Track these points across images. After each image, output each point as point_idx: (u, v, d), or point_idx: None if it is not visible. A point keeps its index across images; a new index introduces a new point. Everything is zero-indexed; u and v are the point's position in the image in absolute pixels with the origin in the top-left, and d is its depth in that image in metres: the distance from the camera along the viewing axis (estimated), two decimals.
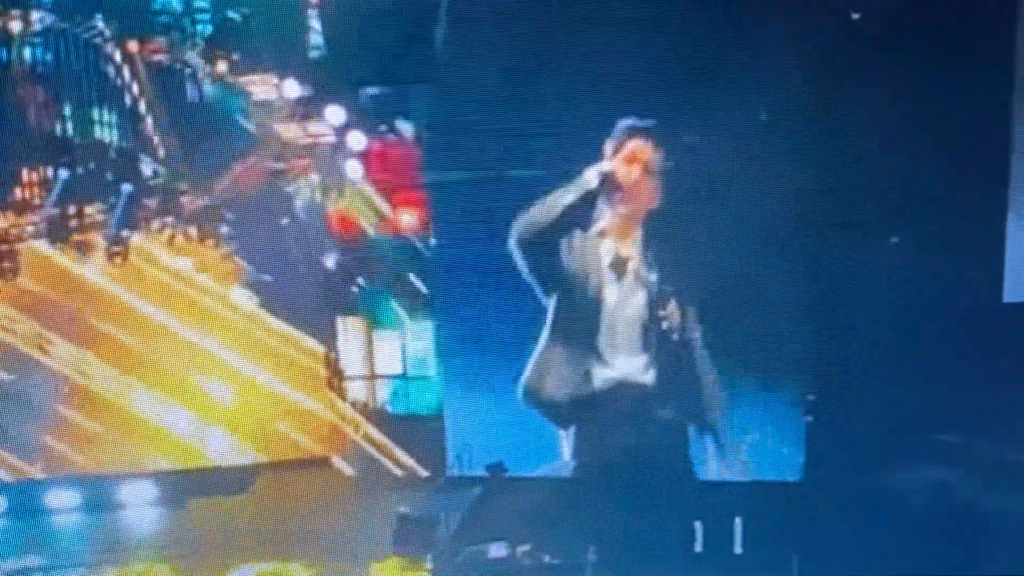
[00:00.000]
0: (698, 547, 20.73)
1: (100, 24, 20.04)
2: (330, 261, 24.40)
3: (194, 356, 25.69)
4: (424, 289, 23.69)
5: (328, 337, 25.35)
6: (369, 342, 25.40)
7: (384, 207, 24.23)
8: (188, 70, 20.71)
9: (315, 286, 24.71)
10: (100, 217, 23.34)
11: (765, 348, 20.90)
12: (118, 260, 24.27)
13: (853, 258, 20.15)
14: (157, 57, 21.00)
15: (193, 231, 24.07)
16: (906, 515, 20.15)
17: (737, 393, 20.63)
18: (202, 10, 21.13)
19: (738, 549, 20.85)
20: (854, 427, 20.74)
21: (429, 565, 21.59)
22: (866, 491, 20.44)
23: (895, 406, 20.47)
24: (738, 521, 20.84)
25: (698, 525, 20.68)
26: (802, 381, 21.24)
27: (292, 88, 20.06)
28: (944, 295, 20.09)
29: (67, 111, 21.06)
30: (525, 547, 20.86)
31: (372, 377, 25.77)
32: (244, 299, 24.70)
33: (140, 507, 26.18)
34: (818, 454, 21.22)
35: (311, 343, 25.59)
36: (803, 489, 21.17)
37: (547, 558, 20.85)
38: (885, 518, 19.95)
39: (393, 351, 25.35)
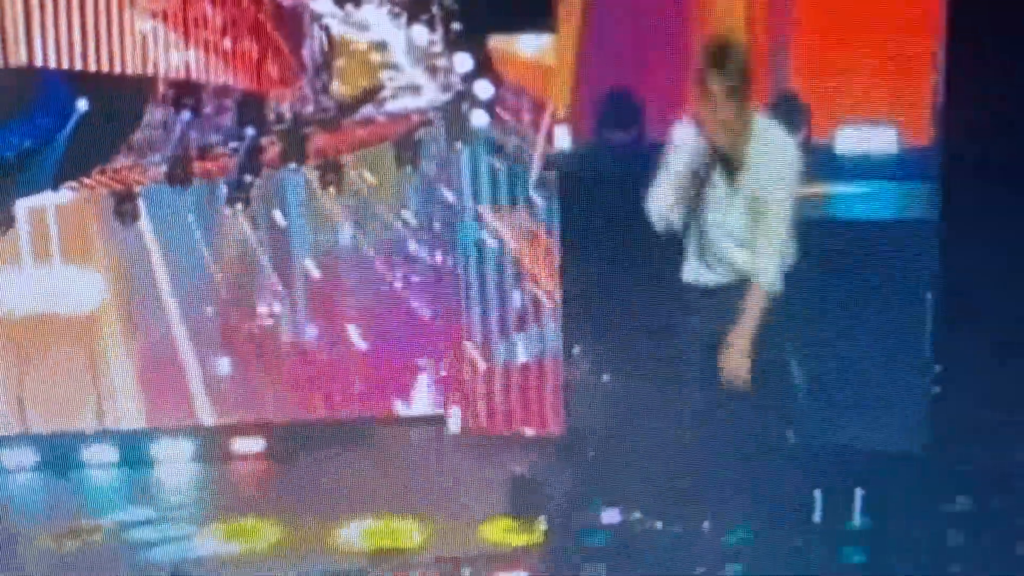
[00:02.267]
0: (816, 517, 20.84)
1: None
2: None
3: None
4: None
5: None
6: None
7: None
8: (318, 13, 20.92)
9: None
10: (225, 159, 23.75)
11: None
12: (239, 205, 24.95)
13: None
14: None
15: (315, 177, 24.77)
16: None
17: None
18: None
19: (856, 521, 20.91)
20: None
21: (542, 527, 21.74)
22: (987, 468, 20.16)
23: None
24: (858, 492, 20.94)
25: (817, 494, 20.82)
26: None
27: (420, 35, 20.16)
28: None
29: (191, 53, 21.33)
30: (637, 514, 21.09)
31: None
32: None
33: (250, 461, 26.98)
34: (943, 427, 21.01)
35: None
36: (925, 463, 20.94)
37: (659, 525, 21.31)
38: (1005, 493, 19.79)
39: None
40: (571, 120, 22.70)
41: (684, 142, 15.36)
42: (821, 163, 20.06)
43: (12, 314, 26.73)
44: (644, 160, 18.60)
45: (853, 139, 20.25)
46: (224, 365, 27.30)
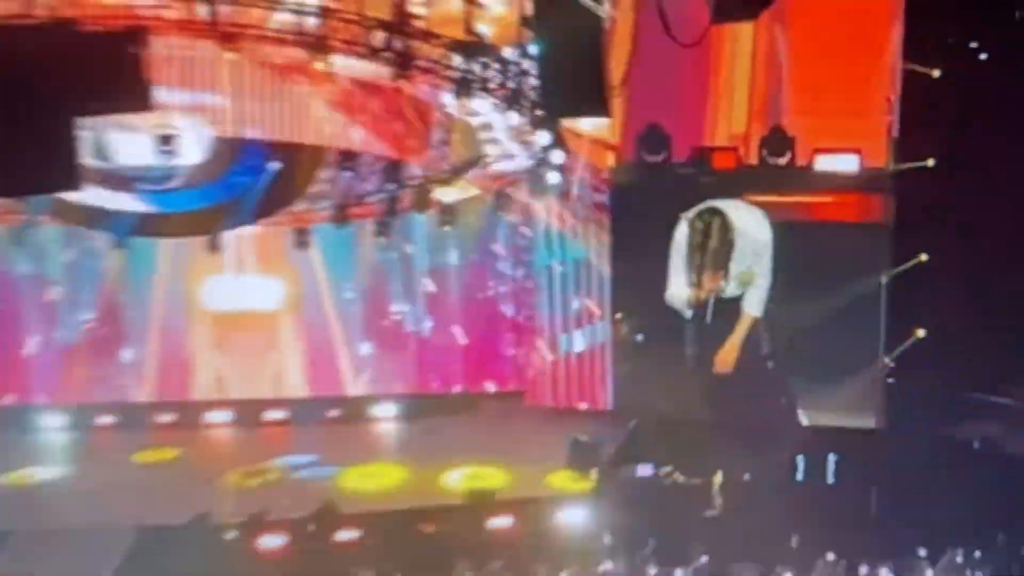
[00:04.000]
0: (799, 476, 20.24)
1: None
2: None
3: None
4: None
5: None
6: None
7: None
8: (443, 103, 21.11)
9: None
10: (373, 206, 23.59)
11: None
12: (383, 239, 24.60)
13: None
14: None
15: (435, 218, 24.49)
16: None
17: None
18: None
19: (830, 480, 20.27)
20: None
21: (594, 477, 20.98)
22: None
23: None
24: (831, 458, 20.28)
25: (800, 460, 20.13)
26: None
27: (514, 118, 20.27)
28: None
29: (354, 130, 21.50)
30: (667, 469, 20.25)
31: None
32: None
33: (383, 421, 26.47)
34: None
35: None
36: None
37: (682, 479, 20.70)
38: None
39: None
40: (619, 148, 22.58)
41: (680, 242, 14.49)
42: (802, 180, 20.24)
43: (218, 309, 26.55)
44: (671, 177, 19.90)
45: (826, 163, 20.01)
46: (366, 348, 26.76)
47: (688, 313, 13.79)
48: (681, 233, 13.85)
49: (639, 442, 21.05)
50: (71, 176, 7.73)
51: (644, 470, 20.41)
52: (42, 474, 23.92)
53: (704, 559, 18.39)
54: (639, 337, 21.08)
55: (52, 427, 26.24)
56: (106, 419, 26.34)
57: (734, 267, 13.21)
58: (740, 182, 18.38)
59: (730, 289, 13.58)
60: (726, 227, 13.58)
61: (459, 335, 26.78)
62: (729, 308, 13.91)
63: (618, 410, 23.43)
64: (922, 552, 18.05)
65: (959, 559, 17.88)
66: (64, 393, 26.49)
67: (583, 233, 24.95)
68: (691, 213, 13.88)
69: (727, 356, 13.97)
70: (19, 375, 26.51)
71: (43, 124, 7.40)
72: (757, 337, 14.62)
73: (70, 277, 26.17)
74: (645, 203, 19.32)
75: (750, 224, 13.81)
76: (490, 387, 26.88)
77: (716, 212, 13.77)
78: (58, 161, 7.62)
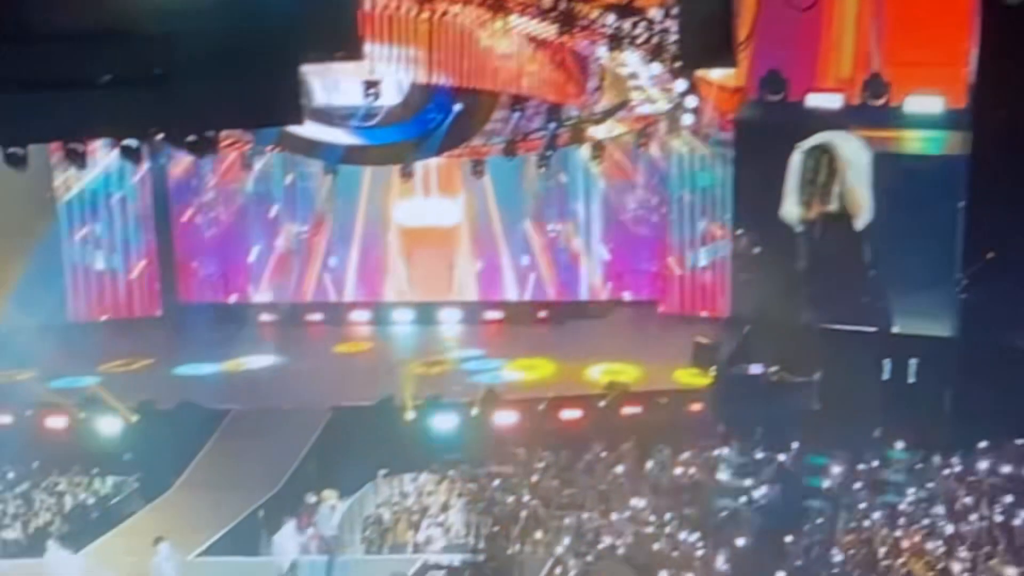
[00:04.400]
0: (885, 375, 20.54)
1: None
2: None
3: None
4: None
5: None
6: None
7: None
8: (597, 56, 20.95)
9: None
10: (536, 142, 23.64)
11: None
12: (542, 170, 25.06)
13: None
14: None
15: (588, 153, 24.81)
16: None
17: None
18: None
19: (911, 380, 20.56)
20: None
21: (713, 374, 21.60)
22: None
23: None
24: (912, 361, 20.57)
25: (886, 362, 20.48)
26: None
27: (656, 68, 20.14)
28: None
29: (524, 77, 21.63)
30: (774, 368, 20.62)
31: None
32: None
33: (538, 322, 27.19)
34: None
35: None
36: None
37: (785, 376, 20.68)
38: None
39: None
40: (743, 90, 22.99)
41: (794, 168, 14.89)
42: (895, 118, 20.19)
43: (405, 225, 27.55)
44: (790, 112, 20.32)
45: (915, 104, 20.07)
46: (526, 260, 27.58)
47: (799, 228, 14.69)
48: (795, 160, 14.77)
49: (752, 344, 21.43)
50: (295, 112, 7.78)
51: (755, 368, 20.96)
52: (257, 362, 25.45)
53: (796, 445, 18.97)
54: (756, 250, 21.48)
55: (268, 322, 27.78)
56: (312, 315, 27.87)
57: (837, 189, 14.00)
58: (844, 119, 18.70)
59: (834, 208, 14.36)
60: (833, 156, 14.48)
61: (603, 251, 27.45)
62: (834, 225, 14.71)
63: (734, 317, 23.91)
64: (983, 444, 18.41)
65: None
66: (279, 293, 28.03)
67: (710, 165, 25.61)
68: (804, 144, 14.79)
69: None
70: (243, 278, 28.15)
71: (274, 68, 7.54)
72: (861, 248, 15.40)
73: (289, 196, 27.66)
74: (764, 138, 19.76)
75: (853, 153, 14.63)
76: (627, 296, 27.46)
77: (825, 142, 14.68)
78: (285, 99, 7.74)
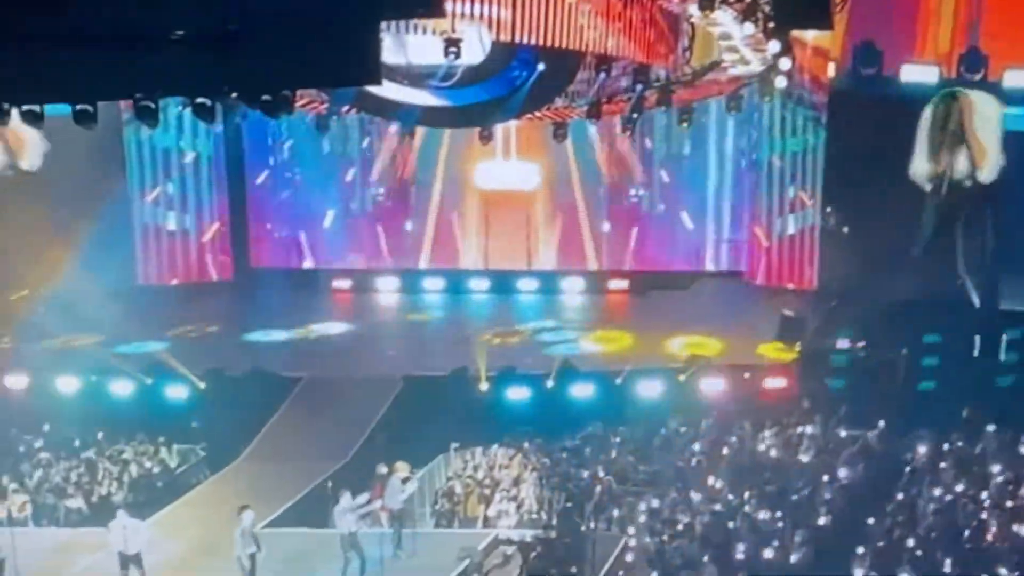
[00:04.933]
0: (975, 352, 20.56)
1: None
2: None
3: None
4: None
5: None
6: None
7: None
8: (688, 13, 21.14)
9: None
10: (622, 104, 23.10)
11: None
12: (628, 133, 24.55)
13: None
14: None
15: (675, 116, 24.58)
16: None
17: None
18: None
19: (1002, 357, 20.58)
20: None
21: (798, 349, 21.72)
22: None
23: None
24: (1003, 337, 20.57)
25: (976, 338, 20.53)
26: None
27: (749, 28, 20.27)
28: None
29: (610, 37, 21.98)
30: (861, 343, 20.97)
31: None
32: None
33: (616, 294, 27.55)
34: None
35: None
36: None
37: (873, 351, 20.90)
38: None
39: None
40: (839, 58, 23.09)
41: (925, 121, 15.11)
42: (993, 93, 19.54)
43: (486, 188, 27.87)
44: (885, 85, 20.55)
45: (1015, 78, 19.61)
46: (606, 227, 27.89)
47: (927, 186, 15.00)
48: (925, 113, 15.10)
49: (839, 318, 21.71)
50: (372, 71, 7.92)
51: (842, 343, 21.28)
52: (330, 329, 26.00)
53: (882, 423, 19.28)
54: (845, 229, 21.98)
55: (341, 288, 28.23)
56: (386, 282, 28.28)
57: (964, 141, 14.27)
58: None
59: (962, 167, 14.59)
60: (963, 103, 14.80)
61: (687, 219, 27.60)
62: (959, 186, 14.98)
63: (822, 289, 24.11)
64: None
65: None
66: (353, 258, 28.52)
67: (801, 129, 25.67)
68: (936, 96, 15.12)
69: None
70: (317, 242, 28.60)
71: (352, 25, 7.71)
72: (984, 213, 15.64)
73: (366, 158, 28.07)
74: (858, 109, 20.20)
75: (983, 102, 14.92)
76: (711, 266, 27.69)
77: (956, 90, 14.99)
78: (363, 58, 7.89)
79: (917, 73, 20.45)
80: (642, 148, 27.56)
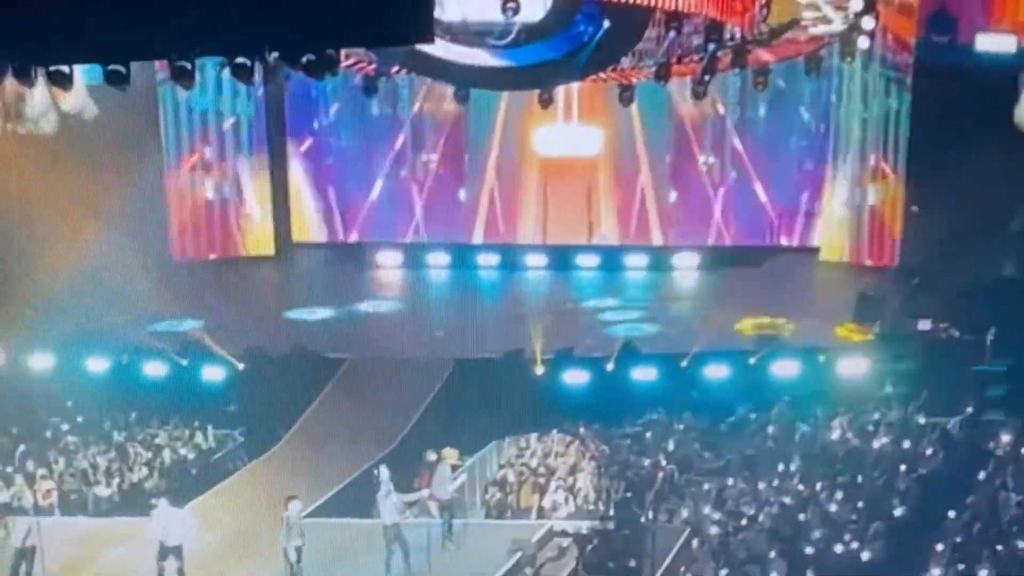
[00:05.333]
0: None
1: None
2: None
3: None
4: None
5: None
6: None
7: None
8: None
9: None
10: (693, 65, 23.59)
11: None
12: (699, 97, 24.22)
13: None
14: None
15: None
16: None
17: None
18: None
19: None
20: None
21: (876, 330, 21.64)
22: None
23: None
24: None
25: None
26: None
27: None
28: None
29: None
30: (944, 324, 20.93)
31: None
32: None
33: (684, 271, 27.39)
34: None
35: None
36: None
37: (956, 334, 21.01)
38: None
39: None
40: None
41: None
42: None
43: (545, 154, 27.58)
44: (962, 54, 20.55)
45: None
46: (673, 197, 27.75)
47: None
48: None
49: (921, 298, 21.65)
50: (425, 28, 7.97)
51: (924, 324, 21.21)
52: (376, 307, 26.07)
53: (969, 410, 19.17)
54: (929, 202, 21.71)
55: (388, 264, 28.26)
56: (437, 257, 28.22)
57: None
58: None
59: None
60: None
61: (760, 190, 27.42)
62: None
63: (903, 266, 24.01)
64: None
65: None
66: (402, 231, 28.43)
67: (884, 94, 25.49)
68: None
69: None
70: (364, 214, 28.54)
71: None
72: None
73: (416, 124, 27.99)
74: (939, 79, 20.41)
75: None
76: (785, 241, 27.47)
77: None
78: (413, 14, 7.84)
79: (993, 42, 20.34)
80: (714, 113, 27.43)
